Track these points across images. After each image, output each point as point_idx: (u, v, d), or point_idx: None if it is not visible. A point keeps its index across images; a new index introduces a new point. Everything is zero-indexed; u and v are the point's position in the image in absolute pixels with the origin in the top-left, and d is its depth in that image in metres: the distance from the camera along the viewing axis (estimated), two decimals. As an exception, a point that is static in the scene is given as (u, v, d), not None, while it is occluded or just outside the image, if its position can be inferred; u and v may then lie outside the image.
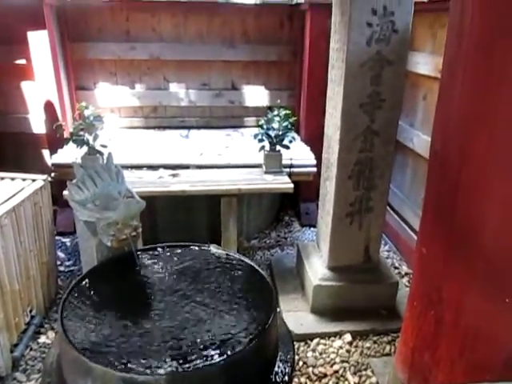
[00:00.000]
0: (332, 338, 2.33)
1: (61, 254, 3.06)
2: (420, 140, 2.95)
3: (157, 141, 3.35)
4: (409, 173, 3.22)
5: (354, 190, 2.27)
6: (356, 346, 2.30)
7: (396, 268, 3.04)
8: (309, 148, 3.24)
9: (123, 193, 1.51)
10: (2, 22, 3.15)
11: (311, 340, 2.31)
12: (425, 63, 2.86)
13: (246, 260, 1.50)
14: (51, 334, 2.37)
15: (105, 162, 1.56)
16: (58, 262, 2.84)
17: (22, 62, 3.24)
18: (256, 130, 2.87)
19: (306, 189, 3.51)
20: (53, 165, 2.92)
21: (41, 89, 3.24)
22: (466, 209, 1.36)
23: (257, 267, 1.46)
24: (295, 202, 3.73)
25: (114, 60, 3.47)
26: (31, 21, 3.03)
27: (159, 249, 1.57)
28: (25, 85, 3.38)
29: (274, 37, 3.54)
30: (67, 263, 3.00)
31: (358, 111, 2.09)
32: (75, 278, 2.77)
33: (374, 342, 2.32)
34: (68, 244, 3.23)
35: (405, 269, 3.03)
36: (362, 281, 2.41)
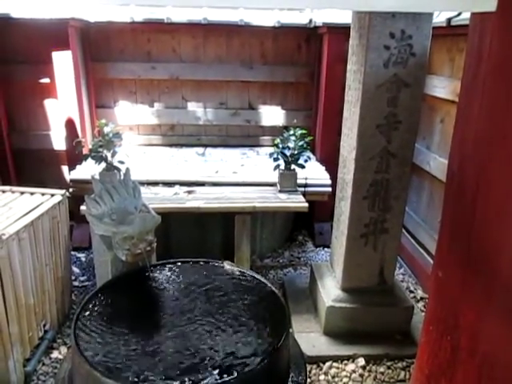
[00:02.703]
0: (345, 362, 2.29)
1: (75, 269, 3.09)
2: (437, 163, 2.93)
3: (173, 158, 3.40)
4: (425, 196, 3.20)
5: (369, 210, 2.26)
6: (369, 371, 2.25)
7: (411, 292, 2.99)
8: (324, 168, 3.24)
9: (139, 208, 1.52)
10: (29, 43, 3.28)
11: (323, 363, 2.27)
12: (442, 87, 2.86)
13: (260, 277, 1.50)
14: (64, 349, 2.37)
15: (122, 177, 1.58)
16: (73, 277, 2.86)
17: (46, 80, 3.35)
18: (272, 150, 2.90)
19: (320, 208, 3.50)
20: (71, 180, 2.97)
21: (63, 106, 3.33)
22: (483, 233, 1.34)
23: (270, 285, 1.45)
24: (309, 222, 3.71)
25: (134, 79, 3.56)
26: (56, 42, 3.13)
27: (173, 264, 1.58)
28: (47, 103, 3.48)
29: (291, 58, 3.59)
30: (81, 278, 3.02)
31: (375, 132, 2.09)
32: (89, 293, 2.82)
33: (388, 368, 2.27)
34: (83, 259, 3.26)
35: (420, 293, 2.97)
36: (376, 304, 2.38)
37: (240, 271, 1.51)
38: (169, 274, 1.52)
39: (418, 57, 2.00)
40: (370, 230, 2.30)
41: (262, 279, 1.47)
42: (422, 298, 2.92)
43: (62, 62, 3.20)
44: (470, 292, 1.41)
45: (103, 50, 3.48)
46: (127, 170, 1.57)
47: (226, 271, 1.51)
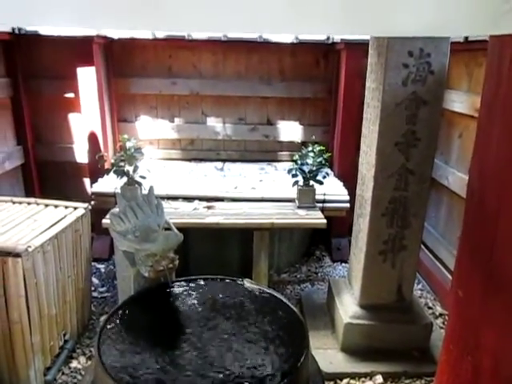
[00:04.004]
0: (362, 379, 2.28)
1: (95, 280, 3.14)
2: (455, 178, 2.92)
3: (193, 173, 3.45)
4: (444, 211, 3.17)
5: (387, 227, 2.26)
6: (388, 389, 2.23)
7: (430, 308, 2.96)
8: (342, 183, 3.25)
9: (162, 225, 1.56)
10: (56, 59, 3.39)
11: (341, 380, 2.26)
12: (461, 101, 2.86)
13: (280, 296, 1.51)
14: (83, 359, 2.41)
15: (146, 193, 1.62)
16: (92, 288, 2.91)
17: (71, 95, 3.45)
18: (289, 165, 2.92)
19: (338, 224, 3.51)
20: (93, 193, 3.03)
21: (86, 120, 3.42)
22: (505, 252, 1.34)
23: (290, 304, 1.47)
24: (327, 237, 3.71)
25: (155, 94, 3.63)
26: (81, 58, 3.24)
27: (194, 281, 1.60)
28: (72, 116, 3.58)
29: (309, 74, 3.63)
30: (101, 289, 3.07)
31: (393, 150, 2.10)
32: (109, 304, 2.87)
33: (407, 386, 2.25)
34: (102, 270, 3.31)
35: (439, 309, 2.94)
36: (394, 320, 2.36)
37: (260, 289, 1.53)
38: (190, 290, 1.55)
39: (436, 74, 2.02)
40: (388, 247, 2.30)
41: (283, 298, 1.48)
42: (440, 315, 2.89)
43: (86, 78, 3.29)
44: (491, 312, 1.40)
45: (126, 66, 3.57)
46: (151, 187, 1.61)
47: (246, 289, 1.53)
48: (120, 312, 1.42)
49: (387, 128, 2.06)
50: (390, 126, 2.06)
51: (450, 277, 2.85)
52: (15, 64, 3.32)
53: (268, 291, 1.53)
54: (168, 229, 1.57)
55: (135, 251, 1.46)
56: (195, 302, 1.49)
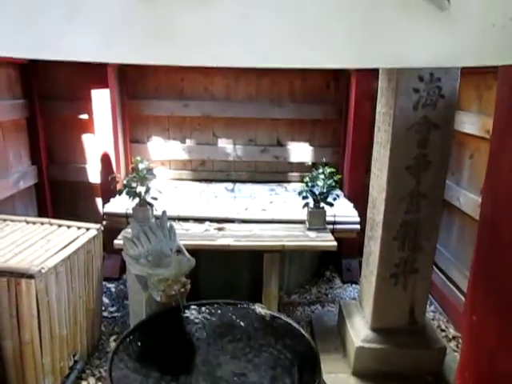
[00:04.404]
0: (375, 405, 2.24)
1: (105, 300, 3.15)
2: (467, 199, 2.90)
3: (203, 193, 3.47)
4: (455, 232, 3.15)
5: (398, 250, 2.25)
6: (400, 416, 2.19)
7: (443, 330, 2.92)
8: (352, 204, 3.25)
9: (175, 249, 1.57)
10: (71, 81, 3.47)
11: (353, 406, 2.23)
12: (471, 123, 2.86)
13: (291, 322, 1.51)
14: (92, 380, 2.40)
15: (159, 217, 1.64)
16: (102, 308, 2.92)
17: (85, 116, 3.52)
18: (299, 185, 2.94)
19: (348, 245, 3.49)
20: (104, 214, 3.06)
21: (99, 141, 3.48)
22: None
23: (302, 330, 1.46)
24: (337, 258, 3.69)
25: (167, 116, 3.69)
26: (95, 80, 3.31)
27: (206, 305, 1.60)
28: (85, 137, 3.64)
29: (319, 96, 3.67)
30: (111, 309, 3.07)
31: (404, 173, 2.11)
32: (119, 324, 2.86)
33: (420, 413, 2.21)
34: (113, 290, 3.32)
35: (452, 332, 2.90)
36: (406, 344, 2.33)
37: (271, 314, 1.52)
38: (201, 315, 1.55)
39: (447, 98, 2.03)
40: (399, 270, 2.28)
41: (294, 323, 1.48)
42: (454, 337, 2.84)
43: (101, 99, 3.36)
44: (508, 338, 1.38)
45: (139, 88, 3.64)
46: (164, 212, 1.63)
47: (257, 314, 1.53)
48: (132, 336, 1.43)
49: (398, 152, 2.07)
50: (401, 149, 2.07)
51: (462, 298, 2.81)
52: (31, 86, 3.40)
53: (279, 316, 1.53)
54: (179, 251, 1.58)
55: (148, 275, 1.48)
56: (206, 326, 1.50)
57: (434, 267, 3.18)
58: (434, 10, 1.09)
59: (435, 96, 2.02)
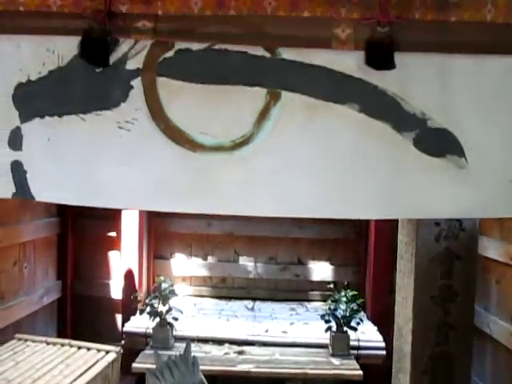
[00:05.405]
0: None
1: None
2: (498, 326, 2.79)
3: (223, 312, 3.44)
4: (489, 361, 2.97)
5: (430, 386, 2.13)
6: None
7: None
8: (376, 328, 3.15)
9: (197, 383, 1.54)
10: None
11: None
12: (494, 248, 2.86)
13: None
14: None
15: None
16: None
17: (113, 234, 3.65)
18: (320, 304, 2.90)
19: (374, 371, 3.28)
20: (124, 332, 3.03)
21: (124, 258, 3.56)
22: None
23: None
24: (362, 385, 3.47)
25: (191, 234, 3.82)
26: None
27: None
28: (111, 254, 3.74)
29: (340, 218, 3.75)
30: None
31: (430, 304, 2.08)
32: None
33: None
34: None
35: None
36: None
37: None
38: None
39: (468, 231, 2.08)
40: (432, 408, 2.14)
41: None
42: None
43: (129, 218, 3.51)
44: None
45: (165, 207, 3.80)
46: (188, 343, 1.62)
47: None
48: None
49: (422, 282, 2.07)
50: (426, 279, 2.07)
51: None
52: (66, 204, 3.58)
53: None
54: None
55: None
56: None
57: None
58: (453, 168, 1.20)
59: (456, 229, 2.07)
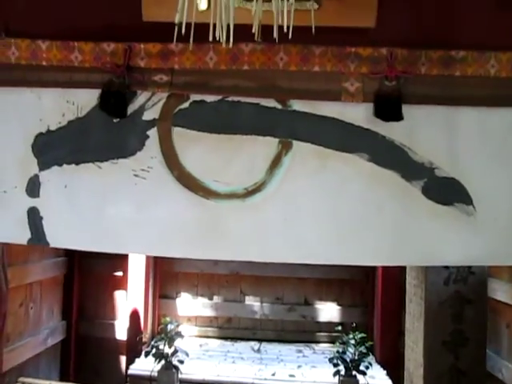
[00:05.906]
0: None
1: None
2: (510, 372, 2.71)
3: (229, 353, 3.37)
4: (504, 410, 2.88)
5: None
6: None
7: None
8: (385, 372, 3.07)
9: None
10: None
11: None
12: (503, 291, 2.81)
13: None
14: None
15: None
16: None
17: (120, 273, 3.64)
18: (327, 346, 2.85)
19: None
20: (128, 375, 2.97)
21: (130, 297, 3.53)
22: None
23: None
24: None
25: (197, 273, 3.79)
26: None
27: None
28: (117, 294, 3.70)
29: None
30: None
31: (441, 349, 2.05)
32: None
33: None
34: None
35: None
36: None
37: None
38: None
39: (477, 275, 2.07)
40: None
41: None
42: None
43: (136, 258, 3.50)
44: None
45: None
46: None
47: None
48: None
49: (433, 326, 2.05)
50: (436, 324, 2.05)
51: None
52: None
53: None
54: None
55: None
56: None
57: None
58: (462, 215, 1.22)
59: (465, 272, 2.06)
